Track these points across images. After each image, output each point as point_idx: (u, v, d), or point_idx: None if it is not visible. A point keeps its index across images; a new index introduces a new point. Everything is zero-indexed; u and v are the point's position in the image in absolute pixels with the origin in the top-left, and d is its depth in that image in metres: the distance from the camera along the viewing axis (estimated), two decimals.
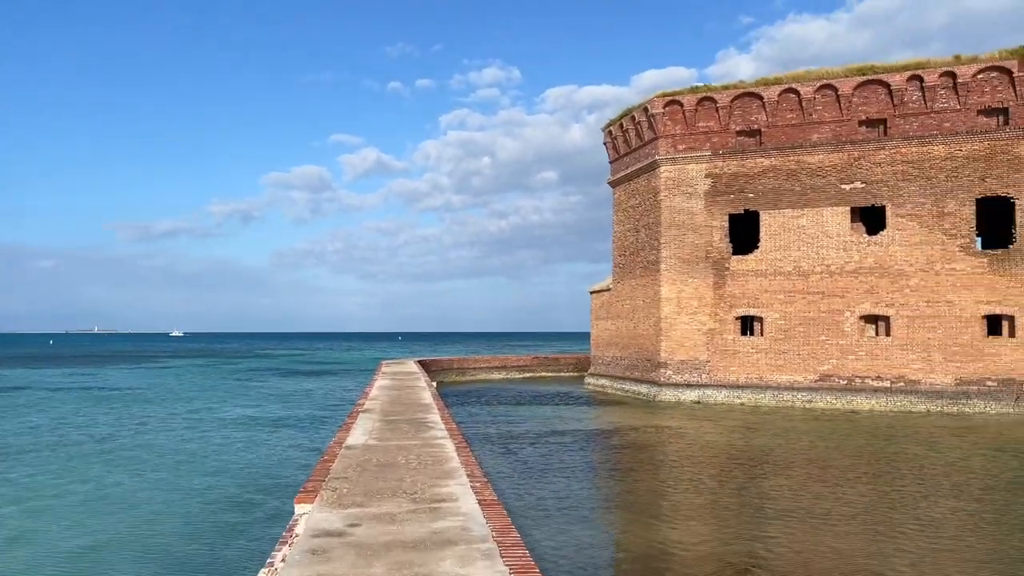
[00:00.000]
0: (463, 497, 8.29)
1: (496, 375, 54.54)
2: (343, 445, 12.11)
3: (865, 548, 12.62)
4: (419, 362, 45.62)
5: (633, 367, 40.71)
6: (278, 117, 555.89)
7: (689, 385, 36.62)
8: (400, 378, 30.47)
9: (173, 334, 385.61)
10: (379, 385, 26.12)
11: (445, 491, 8.61)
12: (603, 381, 44.35)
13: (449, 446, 12.03)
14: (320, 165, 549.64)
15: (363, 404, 18.99)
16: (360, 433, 13.60)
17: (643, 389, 38.71)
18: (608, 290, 44.23)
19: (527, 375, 55.92)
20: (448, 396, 40.22)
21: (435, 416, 16.39)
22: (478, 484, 8.91)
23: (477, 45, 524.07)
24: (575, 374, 57.54)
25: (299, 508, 8.13)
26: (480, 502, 8.00)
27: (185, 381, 59.01)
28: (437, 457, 10.98)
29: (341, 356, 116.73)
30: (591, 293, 46.86)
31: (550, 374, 56.95)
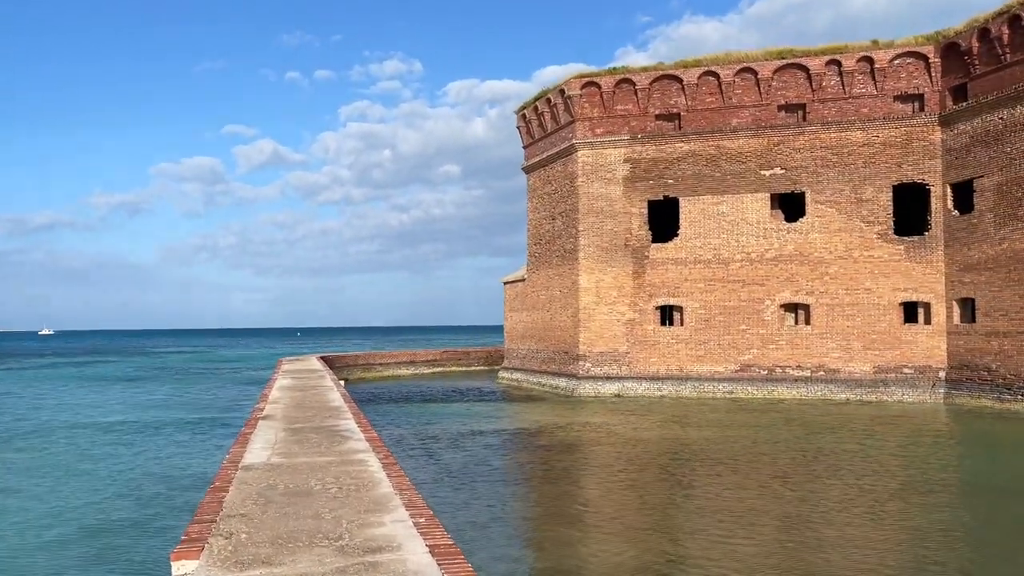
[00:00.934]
0: (407, 542, 6.17)
1: (405, 371, 52.04)
2: (239, 465, 9.71)
3: (842, 562, 11.18)
4: (322, 358, 42.67)
5: (550, 360, 39.14)
6: (169, 106, 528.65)
7: (609, 378, 35.30)
8: (303, 376, 27.74)
9: (42, 332, 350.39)
10: (280, 385, 23.36)
11: (381, 532, 6.47)
12: (518, 375, 42.65)
13: (374, 462, 9.82)
14: (213, 156, 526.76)
15: (262, 408, 16.43)
16: (260, 447, 11.20)
17: (561, 383, 37.18)
18: (523, 280, 42.52)
19: (437, 370, 53.66)
20: (356, 395, 37.58)
21: (349, 422, 14.08)
22: (423, 519, 6.80)
23: (378, 37, 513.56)
24: (486, 368, 55.72)
25: (178, 567, 5.84)
26: (432, 550, 5.90)
27: (51, 384, 53.76)
28: (362, 479, 8.78)
29: (237, 354, 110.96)
30: (504, 284, 45.05)
31: (460, 368, 54.89)
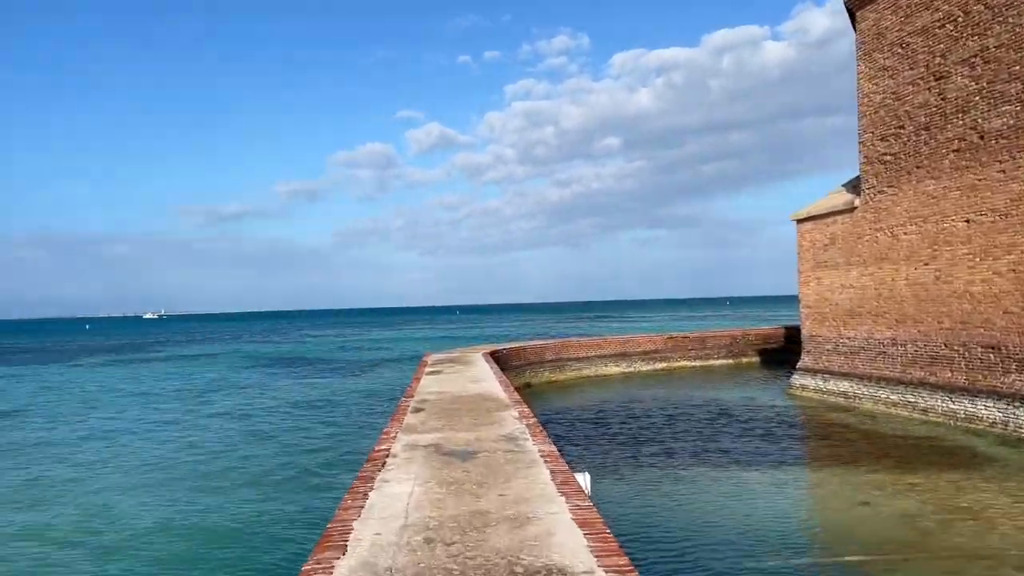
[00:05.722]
0: None
1: (613, 368, 34.23)
2: None
3: None
4: (491, 355, 25.72)
5: (936, 362, 19.79)
6: (346, 95, 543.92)
7: None
8: (456, 414, 10.97)
9: (146, 316, 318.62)
10: (403, 470, 6.14)
11: None
12: (843, 384, 23.52)
13: None
14: (386, 142, 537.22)
15: None
16: None
17: (982, 411, 17.89)
18: (849, 211, 23.30)
19: (660, 366, 35.46)
20: (551, 424, 20.08)
21: None
22: None
23: (547, 13, 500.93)
24: (730, 362, 37.08)
25: None
26: None
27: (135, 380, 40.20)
28: None
29: (391, 339, 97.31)
30: (797, 222, 25.93)
31: (693, 363, 36.38)
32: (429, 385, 16.65)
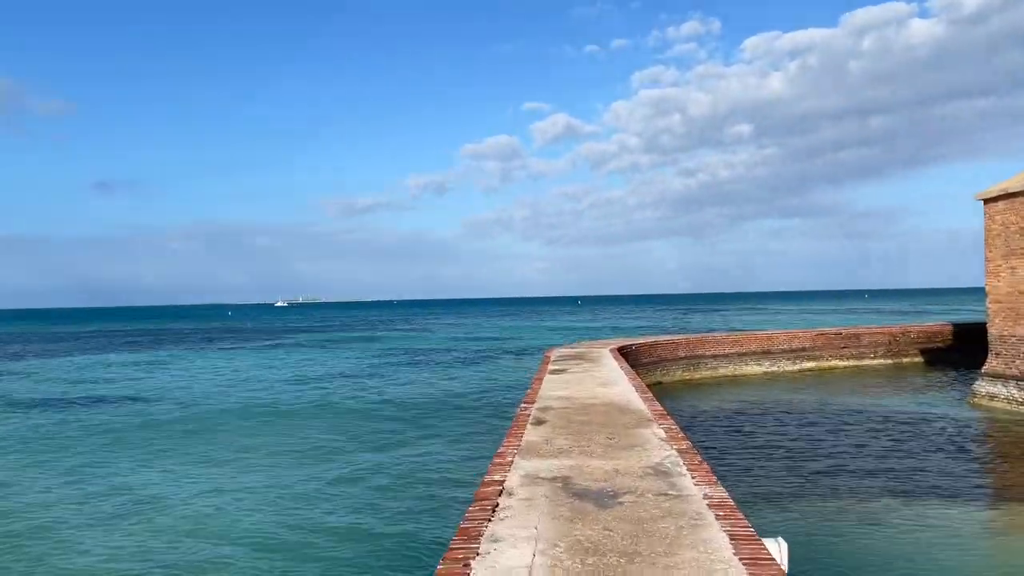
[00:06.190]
0: None
1: (755, 367, 31.03)
2: None
3: None
4: (619, 351, 23.36)
5: None
6: (475, 90, 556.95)
7: None
8: (585, 429, 9.08)
9: (277, 304, 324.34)
10: (521, 520, 4.41)
11: None
12: None
13: None
14: (512, 134, 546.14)
15: None
16: None
17: None
18: None
19: (808, 366, 31.93)
20: (685, 430, 17.50)
21: None
22: None
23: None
24: (889, 361, 33.07)
25: None
26: None
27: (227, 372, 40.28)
28: None
29: (515, 328, 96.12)
30: (986, 202, 22.02)
31: (848, 363, 32.59)
32: (552, 387, 14.53)
